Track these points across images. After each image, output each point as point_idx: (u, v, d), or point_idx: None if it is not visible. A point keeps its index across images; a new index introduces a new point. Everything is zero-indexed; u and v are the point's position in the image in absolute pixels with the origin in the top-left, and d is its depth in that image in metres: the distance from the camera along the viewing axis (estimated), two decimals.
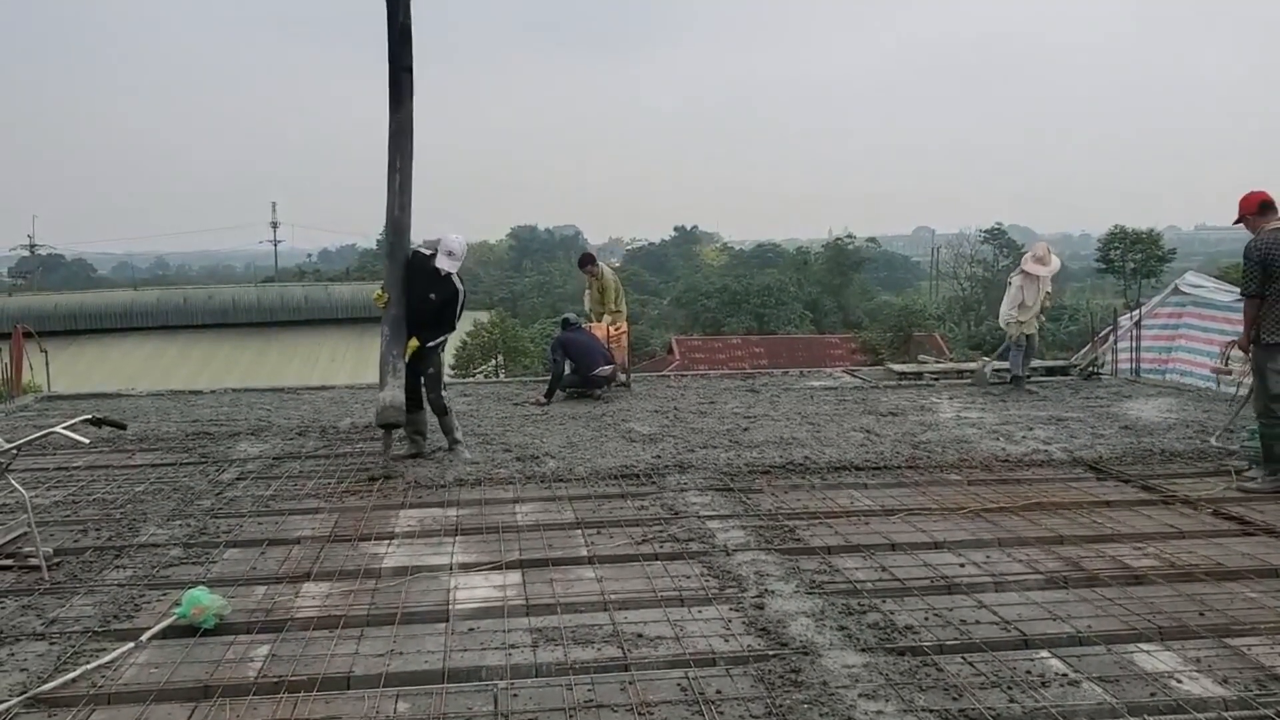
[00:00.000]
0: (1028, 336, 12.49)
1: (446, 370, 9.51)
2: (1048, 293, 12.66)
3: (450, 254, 8.36)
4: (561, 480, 7.68)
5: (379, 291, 8.55)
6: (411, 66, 8.54)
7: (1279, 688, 4.00)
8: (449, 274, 8.36)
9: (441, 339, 8.66)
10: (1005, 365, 12.74)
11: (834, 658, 4.34)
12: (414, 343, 8.37)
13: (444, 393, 8.64)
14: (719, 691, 4.04)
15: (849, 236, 69.26)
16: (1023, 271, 12.45)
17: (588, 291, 13.76)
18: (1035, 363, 12.88)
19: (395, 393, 8.11)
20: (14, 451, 5.95)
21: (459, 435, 8.73)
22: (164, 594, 5.23)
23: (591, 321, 13.05)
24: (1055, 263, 12.52)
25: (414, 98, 8.57)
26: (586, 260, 14.01)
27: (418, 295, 8.40)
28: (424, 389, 8.62)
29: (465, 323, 35.97)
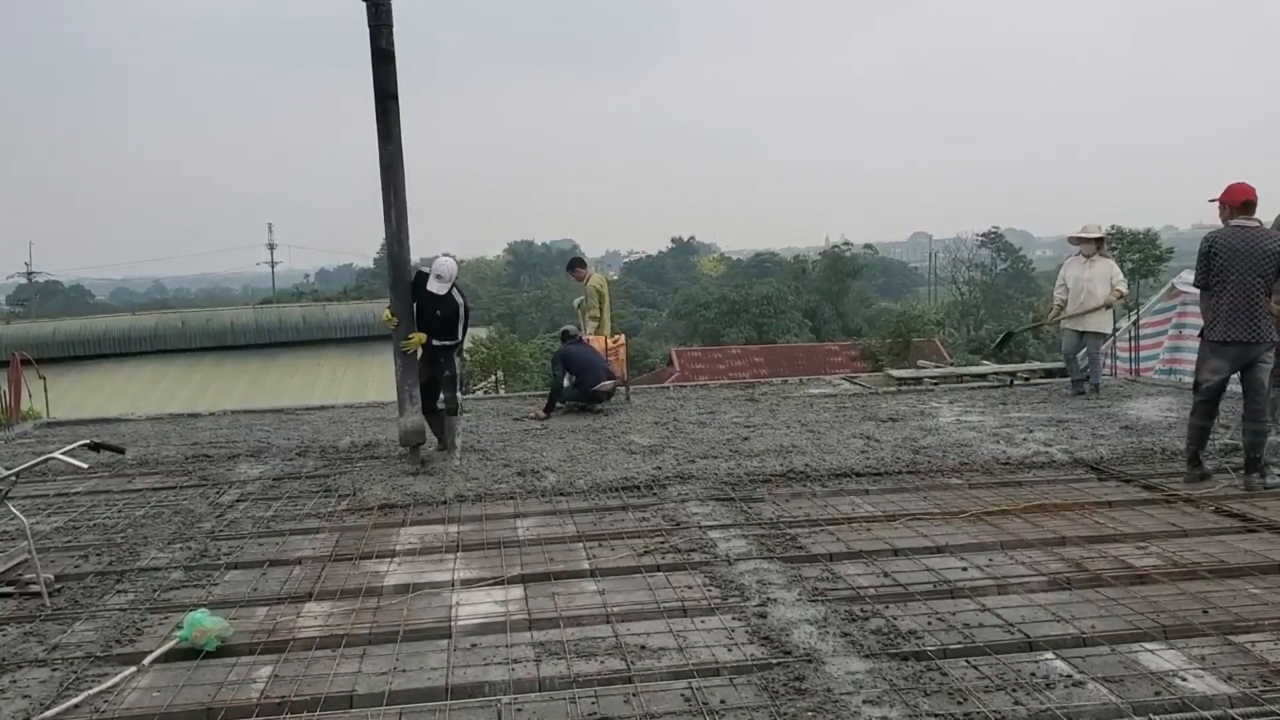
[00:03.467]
0: (1080, 334, 11.45)
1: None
2: (1118, 292, 11.28)
3: (439, 277, 8.83)
4: (562, 494, 7.68)
5: (387, 313, 8.95)
6: (396, 93, 8.77)
7: None
8: (448, 292, 8.87)
9: (452, 343, 9.12)
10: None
11: (838, 664, 4.33)
12: (422, 335, 8.83)
13: (459, 395, 9.13)
14: (723, 701, 4.03)
15: (846, 244, 69.35)
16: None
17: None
18: (1035, 364, 12.63)
19: (415, 418, 8.83)
20: (13, 478, 5.94)
21: (458, 440, 9.08)
22: (165, 617, 5.23)
23: (586, 334, 12.88)
24: (1095, 231, 11.40)
25: (401, 126, 8.74)
26: (572, 264, 13.72)
27: (425, 311, 8.94)
28: (440, 388, 9.11)
29: (465, 340, 35.95)
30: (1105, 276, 11.34)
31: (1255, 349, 7.10)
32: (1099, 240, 11.56)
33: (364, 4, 8.61)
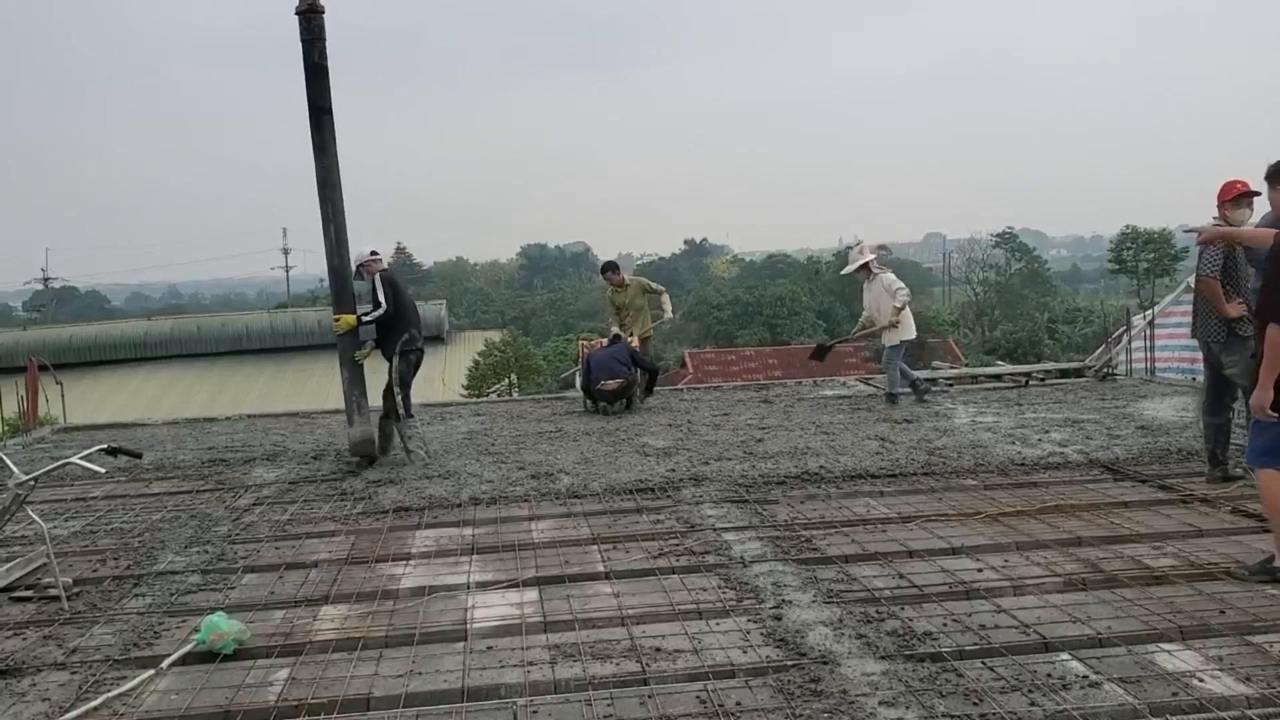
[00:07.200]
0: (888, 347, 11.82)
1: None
2: (894, 308, 11.49)
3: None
4: (577, 496, 7.69)
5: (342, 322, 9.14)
6: (330, 108, 8.99)
7: None
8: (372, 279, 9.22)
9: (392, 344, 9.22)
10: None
11: (853, 666, 4.33)
12: (349, 319, 9.06)
13: (398, 397, 9.18)
14: (739, 703, 4.03)
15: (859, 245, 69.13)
16: None
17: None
18: (1050, 365, 12.62)
19: (365, 428, 9.02)
20: (31, 483, 5.98)
21: (407, 449, 9.17)
22: (183, 621, 5.26)
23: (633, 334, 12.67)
24: (859, 261, 11.89)
25: (336, 142, 9.03)
26: (606, 269, 13.50)
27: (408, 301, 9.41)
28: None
29: (477, 343, 36.18)
30: (885, 294, 11.65)
31: (1208, 349, 7.30)
32: (862, 267, 11.93)
33: (297, 18, 8.71)
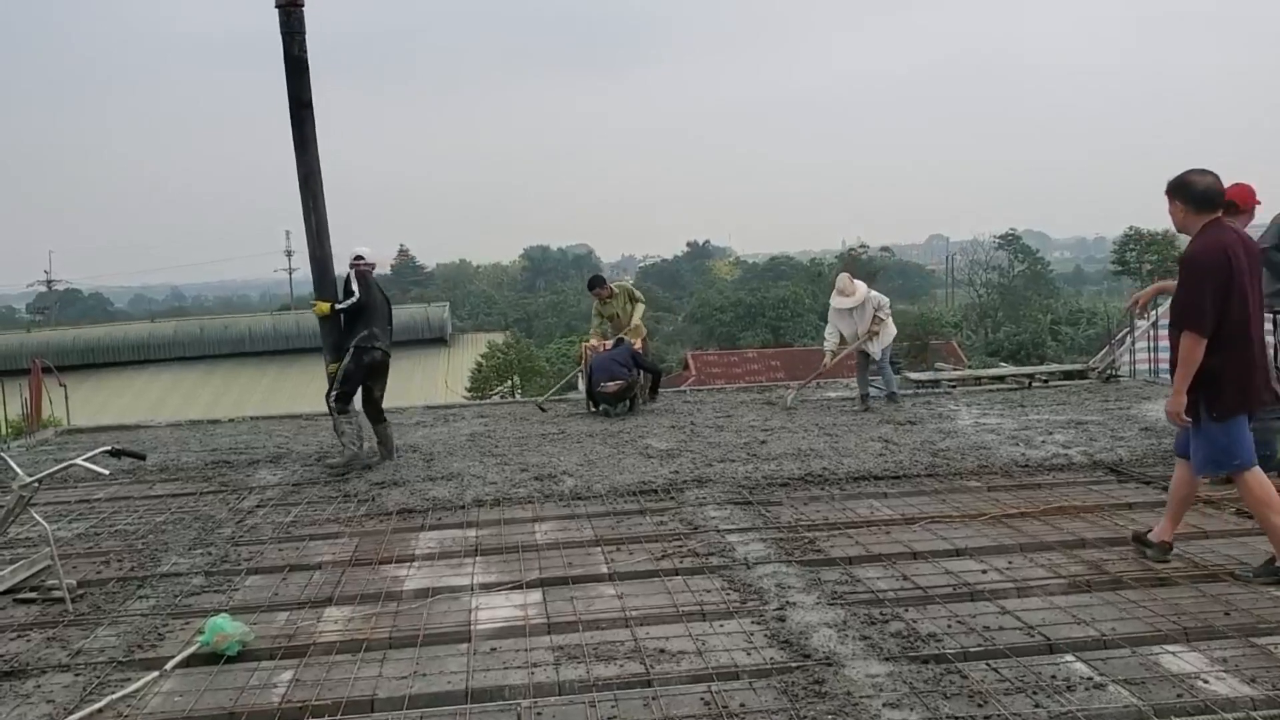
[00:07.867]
0: (868, 358, 11.96)
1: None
2: (878, 319, 11.70)
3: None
4: (580, 498, 7.69)
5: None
6: (311, 102, 9.09)
7: None
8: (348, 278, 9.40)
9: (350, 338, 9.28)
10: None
11: (857, 667, 4.33)
12: (324, 305, 9.33)
13: (332, 397, 9.22)
14: (743, 705, 4.03)
15: (862, 246, 69.26)
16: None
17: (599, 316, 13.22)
18: (1053, 366, 12.59)
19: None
20: (35, 485, 5.98)
21: (345, 447, 9.19)
22: (187, 622, 5.26)
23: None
24: (858, 292, 11.76)
25: (317, 138, 9.21)
26: (593, 283, 13.43)
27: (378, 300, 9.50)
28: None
29: (479, 345, 36.22)
30: (868, 315, 11.74)
31: None
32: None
33: (277, 11, 8.71)
